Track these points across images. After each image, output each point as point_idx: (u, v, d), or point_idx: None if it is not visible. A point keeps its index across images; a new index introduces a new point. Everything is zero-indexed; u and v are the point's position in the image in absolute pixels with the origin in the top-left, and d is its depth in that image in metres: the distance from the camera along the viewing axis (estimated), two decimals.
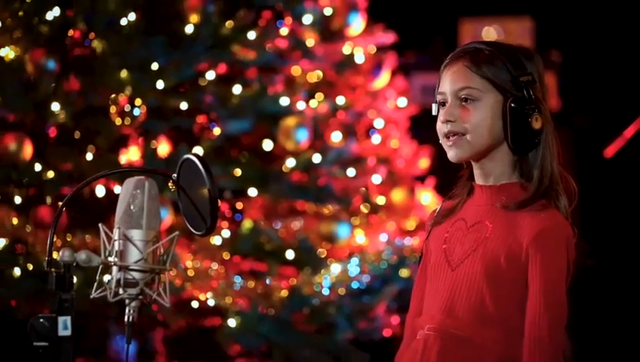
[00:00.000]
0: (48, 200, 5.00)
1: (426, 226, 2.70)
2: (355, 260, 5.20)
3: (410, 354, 2.58)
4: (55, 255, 2.37)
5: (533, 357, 2.43)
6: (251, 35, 5.23)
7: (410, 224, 5.57)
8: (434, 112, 2.59)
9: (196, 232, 2.48)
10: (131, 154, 5.06)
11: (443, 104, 2.56)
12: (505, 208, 2.51)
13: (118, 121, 4.96)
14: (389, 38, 5.72)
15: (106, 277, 2.47)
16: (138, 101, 4.97)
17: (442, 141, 2.56)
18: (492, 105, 2.52)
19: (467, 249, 2.53)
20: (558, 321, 2.46)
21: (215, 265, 5.01)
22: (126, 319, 2.43)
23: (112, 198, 4.90)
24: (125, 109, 4.96)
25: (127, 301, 2.43)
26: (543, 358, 2.43)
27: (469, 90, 2.52)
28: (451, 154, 2.55)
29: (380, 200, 5.59)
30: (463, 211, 2.61)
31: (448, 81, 2.55)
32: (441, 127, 2.56)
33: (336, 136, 5.46)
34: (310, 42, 5.43)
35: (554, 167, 2.54)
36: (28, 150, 4.91)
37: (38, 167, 4.96)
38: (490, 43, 2.58)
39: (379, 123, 5.62)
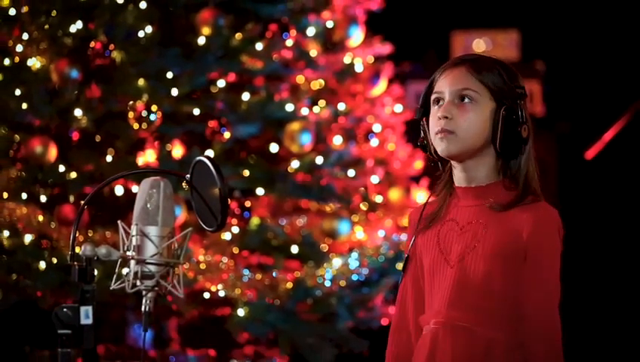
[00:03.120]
0: (71, 198, 5.00)
1: (409, 229, 2.67)
2: (354, 254, 5.19)
3: (418, 350, 2.55)
4: (77, 249, 2.36)
5: (536, 343, 2.42)
6: (259, 46, 5.22)
7: (406, 221, 5.54)
8: (417, 116, 2.57)
9: (208, 228, 2.47)
10: (148, 157, 5.05)
11: (438, 101, 2.53)
12: (495, 209, 2.49)
13: (135, 126, 4.96)
14: (386, 49, 5.71)
15: (125, 270, 2.46)
16: (154, 107, 4.97)
17: (434, 136, 2.52)
18: (486, 110, 2.50)
19: (465, 247, 2.50)
20: (554, 307, 2.45)
21: (225, 259, 5.00)
22: (143, 309, 2.43)
23: (130, 197, 4.90)
24: (142, 115, 4.95)
25: (144, 292, 2.43)
26: (543, 344, 2.42)
27: (469, 91, 2.49)
28: (441, 148, 2.51)
29: (378, 198, 5.58)
30: (450, 213, 2.57)
31: (448, 82, 2.52)
32: (436, 123, 2.51)
33: (337, 140, 5.45)
34: (313, 53, 5.43)
35: (536, 176, 2.53)
36: (52, 152, 4.92)
37: (61, 168, 4.96)
38: (489, 56, 2.56)
39: (377, 127, 5.61)
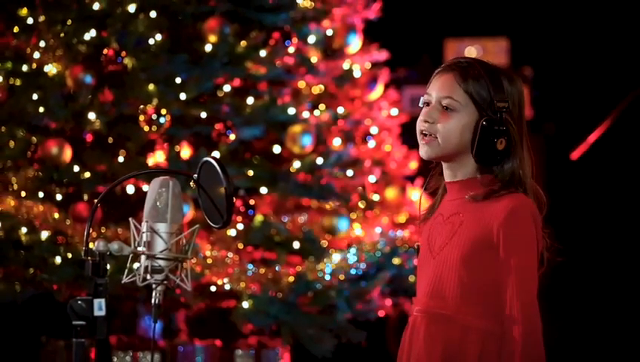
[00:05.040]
0: (85, 197, 5.01)
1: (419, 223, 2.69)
2: (353, 250, 5.18)
3: (403, 337, 2.57)
4: (91, 245, 2.37)
5: (511, 330, 2.41)
6: (262, 53, 5.22)
7: (402, 218, 5.56)
8: (420, 104, 2.55)
9: (214, 225, 2.47)
10: (157, 157, 5.06)
11: (428, 104, 2.53)
12: (473, 199, 2.48)
13: (146, 128, 4.96)
14: (382, 55, 5.71)
15: (136, 265, 2.47)
16: (163, 111, 4.97)
17: (418, 137, 2.53)
18: (467, 119, 2.48)
19: (445, 238, 2.51)
20: (531, 297, 2.42)
21: (230, 254, 5.00)
22: (153, 301, 2.44)
23: (140, 196, 4.89)
24: (152, 118, 4.95)
25: (153, 285, 2.44)
26: (522, 330, 2.40)
27: (451, 100, 2.48)
28: (422, 152, 2.52)
29: (375, 197, 5.57)
30: (440, 207, 2.59)
31: (436, 87, 2.51)
32: (419, 125, 2.52)
33: (336, 141, 5.45)
34: (314, 59, 5.43)
35: (524, 180, 2.49)
36: (67, 153, 4.92)
37: (76, 168, 4.97)
38: (482, 63, 2.53)
39: (374, 130, 5.61)
